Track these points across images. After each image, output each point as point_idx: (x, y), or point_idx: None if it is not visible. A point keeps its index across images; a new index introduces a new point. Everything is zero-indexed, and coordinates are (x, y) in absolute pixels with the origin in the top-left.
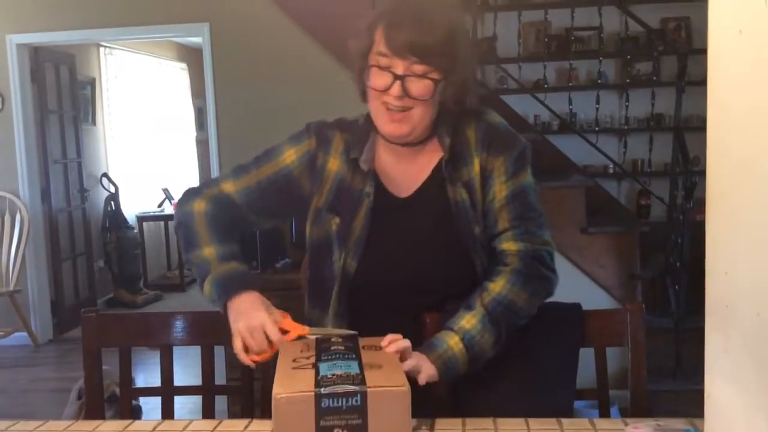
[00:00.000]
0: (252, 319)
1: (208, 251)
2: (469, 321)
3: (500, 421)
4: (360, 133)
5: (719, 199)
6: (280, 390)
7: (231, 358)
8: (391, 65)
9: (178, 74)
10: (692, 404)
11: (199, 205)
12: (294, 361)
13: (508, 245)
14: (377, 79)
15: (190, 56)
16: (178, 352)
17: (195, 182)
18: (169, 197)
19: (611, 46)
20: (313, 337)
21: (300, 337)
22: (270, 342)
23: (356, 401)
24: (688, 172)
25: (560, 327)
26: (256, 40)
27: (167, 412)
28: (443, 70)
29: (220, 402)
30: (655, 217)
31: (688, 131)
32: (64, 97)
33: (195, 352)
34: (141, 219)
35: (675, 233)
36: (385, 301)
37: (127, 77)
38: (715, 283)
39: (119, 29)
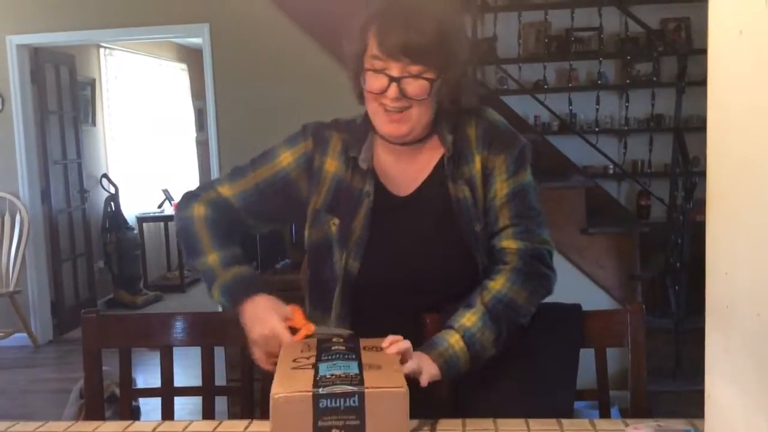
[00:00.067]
0: (264, 327)
1: (212, 258)
2: (469, 319)
3: (500, 421)
4: (358, 132)
5: (719, 200)
6: (278, 390)
7: (231, 359)
8: (386, 68)
9: (178, 75)
10: (692, 405)
11: (199, 210)
12: (294, 361)
13: (508, 243)
14: (373, 82)
15: (190, 57)
16: (178, 352)
17: (195, 183)
18: (169, 198)
19: (611, 47)
20: (316, 337)
21: (307, 337)
22: None
23: (354, 402)
24: (688, 173)
25: (560, 327)
26: (256, 41)
27: (167, 413)
28: (438, 69)
29: (220, 403)
30: (655, 218)
31: (688, 132)
32: (64, 98)
33: (195, 353)
34: (141, 220)
35: (675, 234)
36: (387, 301)
37: (127, 78)
38: (716, 284)
39: (119, 30)
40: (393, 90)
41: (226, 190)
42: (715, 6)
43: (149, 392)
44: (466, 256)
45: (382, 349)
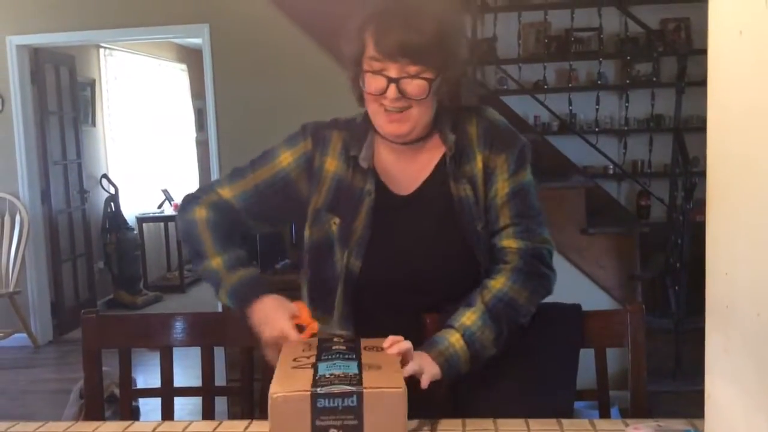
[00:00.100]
0: (273, 328)
1: (216, 262)
2: (469, 318)
3: (500, 422)
4: (358, 131)
5: (719, 200)
6: (276, 389)
7: (231, 359)
8: (384, 68)
9: (178, 75)
10: (692, 405)
11: (200, 213)
12: (295, 360)
13: (509, 243)
14: (372, 84)
15: (190, 57)
16: (177, 353)
17: (195, 183)
18: (168, 198)
19: (611, 47)
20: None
21: (313, 335)
22: None
23: (352, 402)
24: (688, 173)
25: (560, 328)
26: (256, 41)
27: (167, 414)
28: (436, 68)
29: (220, 403)
30: (655, 218)
31: (687, 132)
32: (64, 99)
33: (195, 353)
34: (141, 220)
35: (675, 234)
36: (388, 300)
37: (126, 78)
38: (715, 284)
39: (119, 30)
40: (392, 91)
41: (226, 192)
42: (715, 6)
43: (149, 392)
44: (467, 256)
45: (382, 349)
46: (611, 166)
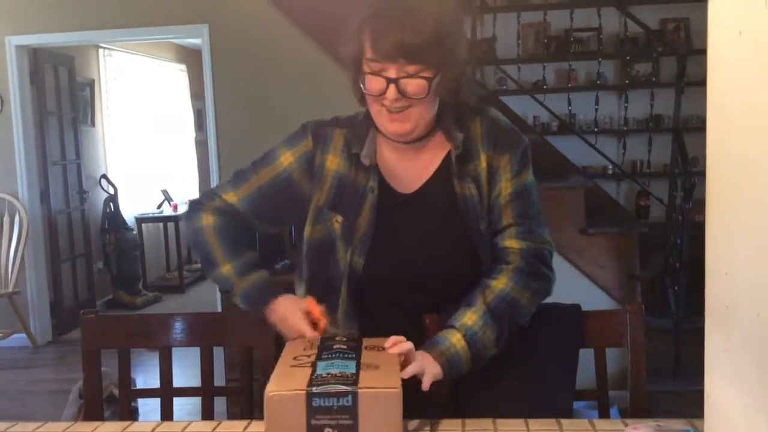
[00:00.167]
0: (289, 329)
1: (226, 269)
2: (470, 318)
3: (500, 422)
4: (360, 128)
5: (719, 200)
6: (273, 387)
7: (230, 359)
8: (382, 69)
9: (178, 75)
10: (692, 405)
11: (207, 219)
12: (295, 359)
13: (511, 243)
14: (372, 85)
15: (190, 57)
16: (177, 353)
17: (194, 183)
18: (168, 199)
19: (610, 47)
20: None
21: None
22: None
23: (347, 401)
24: (687, 173)
25: (560, 328)
26: (256, 42)
27: (166, 414)
28: (435, 67)
29: (220, 403)
30: (655, 218)
31: (687, 132)
32: (63, 99)
33: (194, 353)
34: (140, 220)
35: (674, 234)
36: (391, 299)
37: (126, 79)
38: (715, 284)
39: (118, 31)
40: (392, 91)
41: (230, 197)
42: (714, 6)
43: (148, 393)
44: (470, 255)
45: (384, 349)
46: (610, 166)
